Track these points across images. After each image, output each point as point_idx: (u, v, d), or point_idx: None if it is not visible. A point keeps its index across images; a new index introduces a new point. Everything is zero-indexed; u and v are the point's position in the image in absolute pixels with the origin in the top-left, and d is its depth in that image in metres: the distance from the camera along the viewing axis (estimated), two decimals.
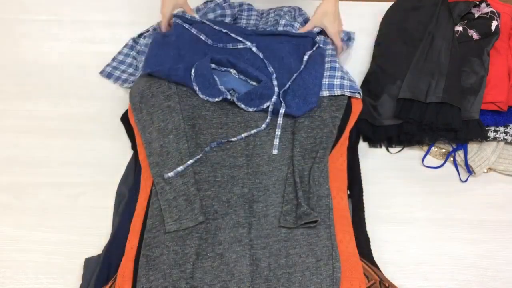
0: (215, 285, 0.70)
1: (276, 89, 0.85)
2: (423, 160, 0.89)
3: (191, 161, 0.78)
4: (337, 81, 0.88)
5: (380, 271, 0.75)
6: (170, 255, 0.71)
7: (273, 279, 0.70)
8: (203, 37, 0.92)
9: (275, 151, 0.80)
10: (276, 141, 0.81)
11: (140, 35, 1.04)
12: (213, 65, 0.88)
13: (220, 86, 0.84)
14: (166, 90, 0.85)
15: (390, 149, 0.91)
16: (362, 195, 0.83)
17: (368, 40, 1.04)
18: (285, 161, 0.80)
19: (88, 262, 0.76)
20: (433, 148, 0.90)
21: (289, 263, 0.71)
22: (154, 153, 0.80)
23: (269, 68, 0.88)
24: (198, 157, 0.78)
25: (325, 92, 0.87)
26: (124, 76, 0.99)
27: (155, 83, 0.86)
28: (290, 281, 0.70)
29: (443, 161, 0.89)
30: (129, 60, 1.02)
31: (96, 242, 0.79)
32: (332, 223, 0.75)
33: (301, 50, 0.91)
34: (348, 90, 0.87)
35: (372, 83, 0.94)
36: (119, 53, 1.03)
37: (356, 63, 1.01)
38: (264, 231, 0.74)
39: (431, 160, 0.90)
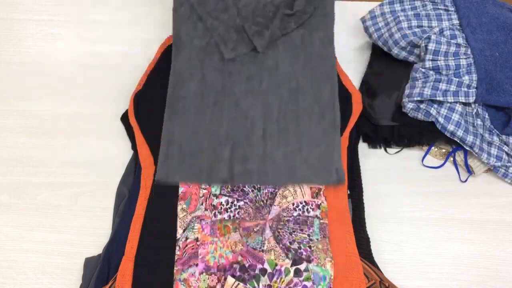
0: (231, 125, 0.80)
1: None
2: (423, 160, 0.89)
3: None
4: None
5: (380, 271, 0.75)
6: (192, 105, 0.82)
7: (282, 120, 0.80)
8: None
9: None
10: None
11: None
12: None
13: None
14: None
15: (388, 149, 0.91)
16: (362, 195, 0.83)
17: (368, 40, 1.04)
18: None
19: (88, 262, 0.76)
20: (433, 148, 0.90)
21: (297, 108, 0.81)
22: None
23: None
24: None
25: None
26: None
27: None
28: (298, 122, 0.80)
29: (443, 161, 0.89)
30: None
31: (96, 242, 0.79)
32: (335, 80, 0.85)
33: None
34: None
35: (370, 83, 0.94)
36: None
37: (356, 63, 1.01)
38: (275, 83, 0.83)
39: (431, 160, 0.90)
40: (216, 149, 0.79)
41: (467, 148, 0.84)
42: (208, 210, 0.77)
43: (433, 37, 0.87)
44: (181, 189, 0.79)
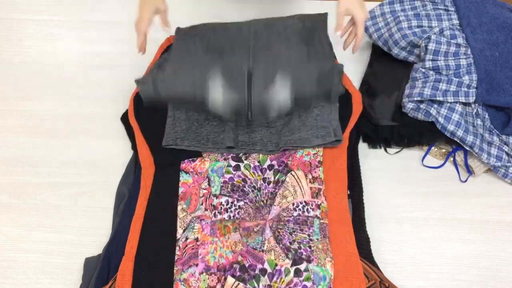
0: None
1: None
2: (423, 160, 0.89)
3: None
4: None
5: (380, 271, 0.75)
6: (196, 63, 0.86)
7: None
8: None
9: None
10: None
11: None
12: None
13: None
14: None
15: (388, 149, 0.91)
16: (362, 195, 0.83)
17: (368, 40, 1.04)
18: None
19: (88, 262, 0.76)
20: (433, 148, 0.90)
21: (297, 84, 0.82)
22: None
23: None
24: None
25: None
26: None
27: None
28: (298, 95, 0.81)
29: (443, 161, 0.89)
30: None
31: (96, 242, 0.79)
32: (332, 59, 0.91)
33: None
34: None
35: (370, 83, 0.94)
36: None
37: (356, 63, 1.01)
38: (264, 45, 0.88)
39: (431, 160, 0.90)
40: (222, 120, 0.85)
41: (467, 148, 0.84)
42: (208, 210, 0.77)
43: (433, 37, 0.87)
44: (181, 189, 0.79)
